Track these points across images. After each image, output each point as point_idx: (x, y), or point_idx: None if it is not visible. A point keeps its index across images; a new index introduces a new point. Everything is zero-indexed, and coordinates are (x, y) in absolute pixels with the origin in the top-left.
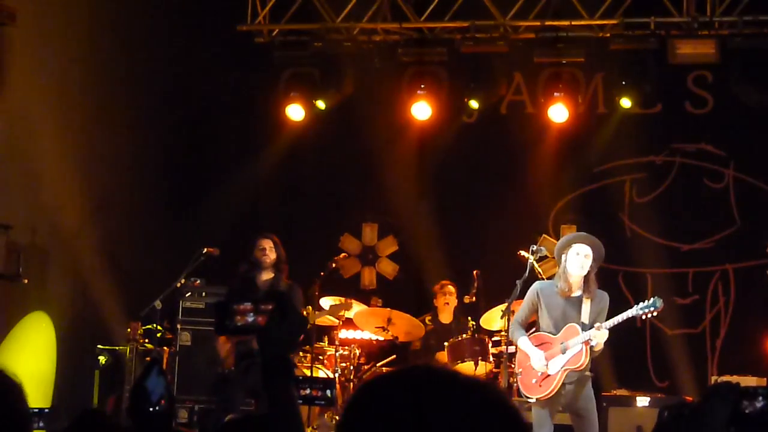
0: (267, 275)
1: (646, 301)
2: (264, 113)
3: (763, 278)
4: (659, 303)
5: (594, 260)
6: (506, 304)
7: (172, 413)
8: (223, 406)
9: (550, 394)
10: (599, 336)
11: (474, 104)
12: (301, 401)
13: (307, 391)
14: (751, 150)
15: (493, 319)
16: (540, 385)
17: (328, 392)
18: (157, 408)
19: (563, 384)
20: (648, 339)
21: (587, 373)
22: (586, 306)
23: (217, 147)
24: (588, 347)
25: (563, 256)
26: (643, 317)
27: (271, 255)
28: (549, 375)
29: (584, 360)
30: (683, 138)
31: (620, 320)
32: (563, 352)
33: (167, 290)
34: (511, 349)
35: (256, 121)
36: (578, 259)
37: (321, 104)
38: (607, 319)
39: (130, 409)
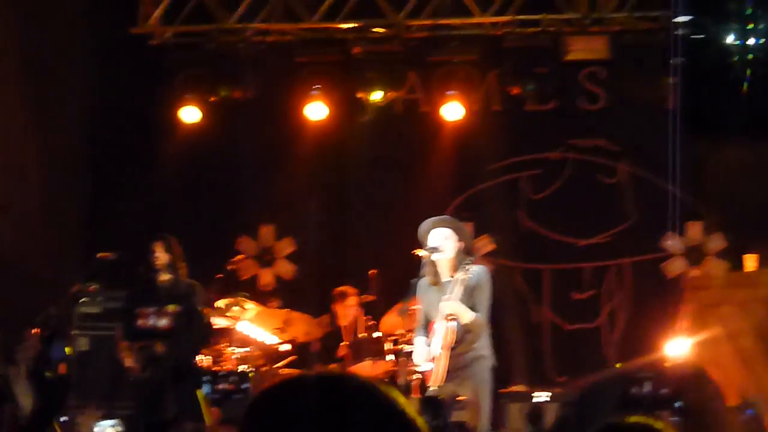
0: (165, 276)
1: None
2: (159, 116)
3: (658, 272)
4: (471, 259)
5: (457, 240)
6: (402, 304)
7: (70, 379)
8: (149, 410)
9: (441, 378)
10: (448, 307)
11: (376, 96)
12: (218, 396)
13: (223, 386)
14: (644, 145)
15: (391, 320)
16: (433, 371)
17: (243, 385)
18: (56, 373)
19: (453, 367)
20: (546, 334)
21: (475, 353)
22: (457, 286)
23: (113, 150)
24: (452, 322)
25: (425, 246)
26: (466, 274)
27: (161, 257)
28: (436, 359)
29: (451, 337)
30: (577, 134)
31: (455, 288)
32: (435, 335)
33: (62, 296)
34: (408, 347)
35: (152, 123)
36: (437, 240)
37: (225, 89)
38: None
39: (30, 374)
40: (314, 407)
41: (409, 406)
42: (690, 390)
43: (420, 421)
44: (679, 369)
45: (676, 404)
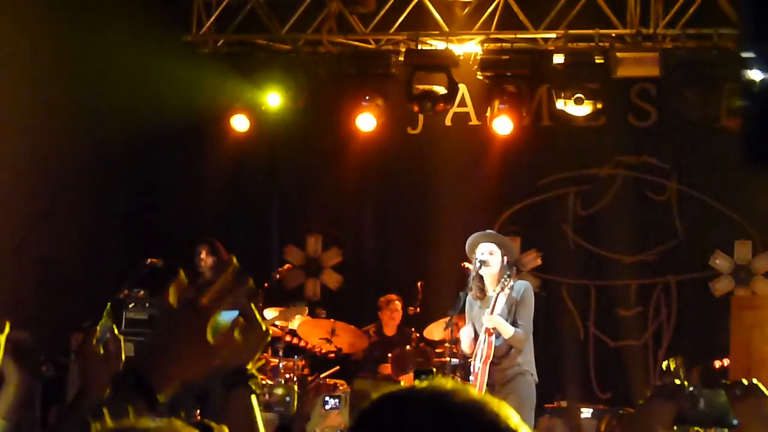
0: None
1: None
2: (209, 124)
3: (705, 290)
4: (512, 272)
5: (502, 255)
6: (449, 317)
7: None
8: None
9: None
10: (489, 321)
11: (425, 108)
12: (260, 407)
13: (266, 397)
14: (694, 162)
15: (436, 331)
16: (474, 384)
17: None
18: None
19: (490, 384)
20: (591, 350)
21: (518, 369)
22: (500, 300)
23: (162, 157)
24: (491, 337)
25: (473, 260)
26: (506, 288)
27: (207, 260)
28: (476, 373)
29: (488, 351)
30: (626, 150)
31: (500, 303)
32: (477, 347)
33: (110, 301)
34: (455, 360)
35: (201, 132)
36: (483, 258)
37: (275, 99)
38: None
39: (77, 349)
40: (425, 421)
41: (516, 423)
42: (745, 407)
43: None
44: (734, 386)
45: (733, 422)
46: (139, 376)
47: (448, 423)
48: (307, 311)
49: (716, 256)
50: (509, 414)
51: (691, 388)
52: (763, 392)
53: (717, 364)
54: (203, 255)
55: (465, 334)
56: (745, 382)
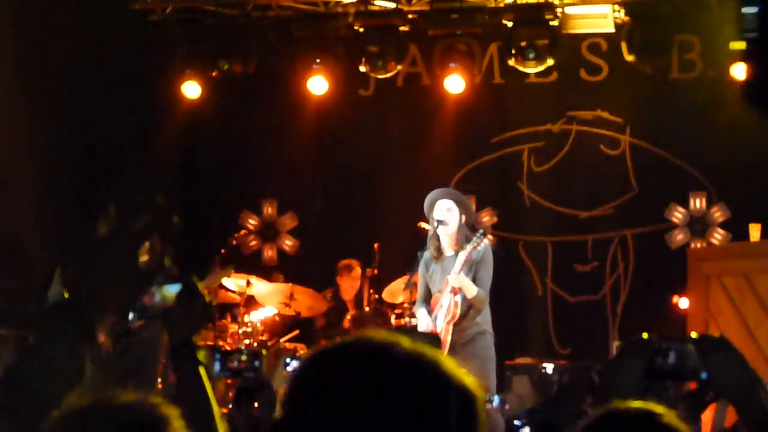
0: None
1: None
2: (160, 91)
3: (662, 243)
4: (485, 231)
5: (460, 213)
6: (408, 276)
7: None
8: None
9: (444, 352)
10: (456, 281)
11: (377, 70)
12: (229, 374)
13: (234, 364)
14: (647, 115)
15: (395, 292)
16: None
17: (256, 363)
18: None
19: (456, 342)
20: (549, 306)
21: (478, 328)
22: (460, 258)
23: (114, 126)
24: (456, 296)
25: (430, 219)
26: (477, 247)
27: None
28: (438, 332)
29: (455, 310)
30: (579, 105)
31: (461, 262)
32: (440, 307)
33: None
34: (413, 321)
35: (152, 99)
36: (440, 217)
37: (225, 65)
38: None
39: None
40: (362, 375)
41: (458, 369)
42: (715, 361)
43: (470, 382)
44: (703, 340)
45: (702, 376)
46: (73, 300)
47: (389, 373)
48: (232, 273)
49: (671, 208)
50: (448, 361)
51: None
52: (731, 345)
53: (675, 299)
54: None
55: (422, 318)
56: (713, 335)
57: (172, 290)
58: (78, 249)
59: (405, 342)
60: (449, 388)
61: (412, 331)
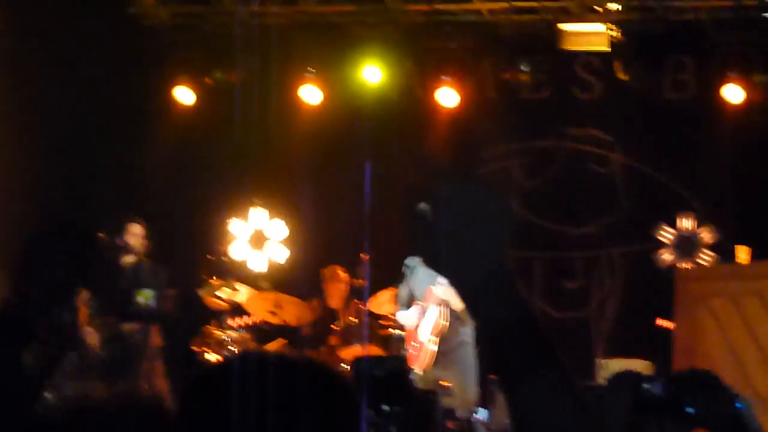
0: (130, 259)
1: None
2: (153, 96)
3: (649, 262)
4: None
5: None
6: (395, 288)
7: None
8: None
9: (428, 363)
10: (441, 292)
11: (370, 80)
12: None
13: None
14: (638, 135)
15: (382, 303)
16: (418, 356)
17: None
18: None
19: (439, 354)
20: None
21: (460, 339)
22: None
23: (106, 129)
24: (443, 309)
25: None
26: None
27: (144, 242)
28: (422, 343)
29: (442, 322)
30: (571, 123)
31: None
32: (425, 315)
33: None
34: (400, 333)
35: (145, 103)
36: None
37: (221, 71)
38: None
39: None
40: (259, 386)
41: (353, 386)
42: (702, 396)
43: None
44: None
45: (689, 410)
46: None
47: (282, 373)
48: (235, 284)
49: (660, 228)
50: (335, 365)
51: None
52: (719, 381)
53: (659, 322)
54: (137, 231)
55: (407, 317)
56: (702, 370)
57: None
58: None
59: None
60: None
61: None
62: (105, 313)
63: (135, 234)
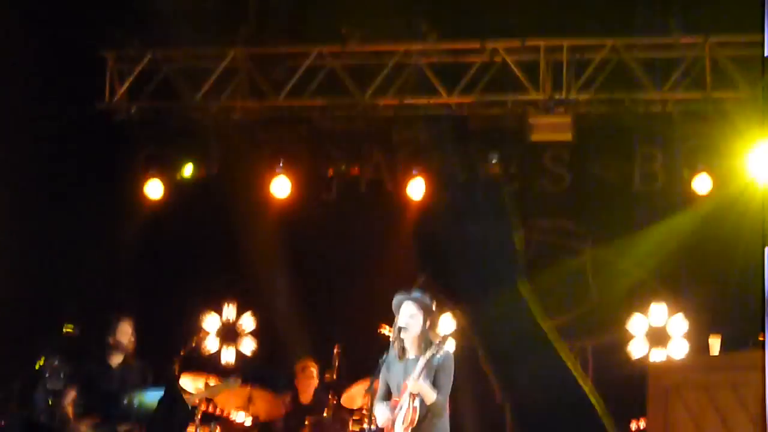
0: (118, 358)
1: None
2: (123, 191)
3: (621, 353)
4: (446, 337)
5: (424, 318)
6: (369, 381)
7: None
8: None
9: None
10: (415, 387)
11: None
12: None
13: None
14: (608, 226)
15: (354, 397)
16: None
17: None
18: None
19: None
20: (508, 414)
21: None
22: (420, 363)
23: (74, 225)
24: (415, 401)
25: (395, 323)
26: (437, 354)
27: (133, 340)
28: None
29: (413, 416)
30: (541, 214)
31: (420, 368)
32: (399, 410)
33: (25, 372)
34: (372, 428)
35: (115, 198)
36: (403, 319)
37: (188, 170)
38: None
39: None
40: None
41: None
42: None
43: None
44: None
45: None
46: None
47: None
48: (239, 384)
49: (632, 319)
50: None
51: None
52: None
53: (633, 425)
54: (126, 328)
55: (381, 413)
56: None
57: (151, 397)
58: None
59: None
60: None
61: None
62: (92, 413)
63: (125, 332)
